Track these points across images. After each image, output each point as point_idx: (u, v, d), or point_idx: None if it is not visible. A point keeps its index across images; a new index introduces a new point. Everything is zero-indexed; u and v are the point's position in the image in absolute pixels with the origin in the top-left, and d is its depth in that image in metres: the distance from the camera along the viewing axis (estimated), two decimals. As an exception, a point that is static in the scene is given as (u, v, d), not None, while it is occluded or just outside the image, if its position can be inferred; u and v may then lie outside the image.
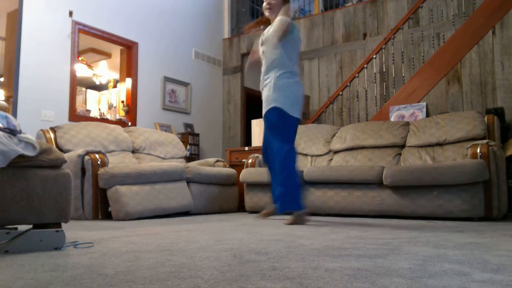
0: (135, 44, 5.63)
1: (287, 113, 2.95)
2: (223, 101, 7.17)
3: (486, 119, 3.77)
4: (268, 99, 3.04)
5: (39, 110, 4.49)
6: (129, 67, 5.62)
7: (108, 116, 5.88)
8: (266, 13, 3.14)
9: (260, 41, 3.18)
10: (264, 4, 3.14)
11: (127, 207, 3.40)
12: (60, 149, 3.92)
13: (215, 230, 2.43)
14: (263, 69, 3.14)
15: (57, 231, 1.62)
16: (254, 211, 4.20)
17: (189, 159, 5.75)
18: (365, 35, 5.82)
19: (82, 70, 6.77)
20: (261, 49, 3.15)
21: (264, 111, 3.11)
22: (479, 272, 1.12)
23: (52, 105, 4.61)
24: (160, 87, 5.98)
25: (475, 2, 4.84)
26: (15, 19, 4.42)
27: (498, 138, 3.67)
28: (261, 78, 3.16)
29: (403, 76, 5.10)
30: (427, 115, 4.65)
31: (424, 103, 4.68)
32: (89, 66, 7.17)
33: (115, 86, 7.41)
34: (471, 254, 1.43)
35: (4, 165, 1.54)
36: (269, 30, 3.08)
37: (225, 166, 4.78)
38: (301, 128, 4.87)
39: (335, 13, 6.12)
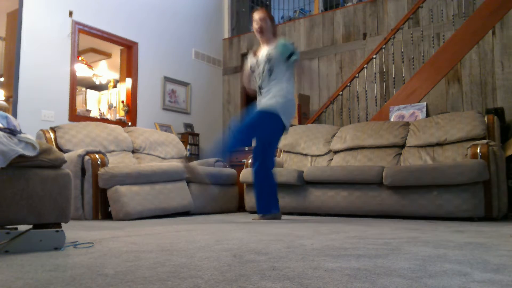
0: (135, 44, 5.63)
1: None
2: (223, 101, 7.17)
3: (486, 119, 3.76)
4: (281, 108, 3.16)
5: (39, 110, 4.49)
6: (129, 67, 5.62)
7: (108, 116, 5.88)
8: (258, 36, 3.39)
9: (260, 58, 3.31)
10: (256, 27, 3.34)
11: (127, 207, 3.40)
12: (60, 149, 3.92)
13: (215, 230, 2.43)
14: (264, 83, 3.26)
15: (57, 231, 1.62)
16: (254, 211, 4.20)
17: (189, 159, 5.75)
18: (365, 35, 5.82)
19: (82, 70, 6.77)
20: (261, 66, 3.27)
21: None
22: (479, 272, 1.12)
23: (52, 105, 4.61)
24: (160, 87, 5.98)
25: (475, 2, 4.84)
26: (15, 19, 4.42)
27: (498, 138, 3.67)
28: (263, 91, 3.25)
29: (403, 76, 5.10)
30: (427, 115, 4.65)
31: (424, 103, 4.68)
32: (89, 66, 7.17)
33: (115, 86, 7.41)
34: (471, 254, 1.43)
35: (4, 165, 1.54)
36: (272, 50, 3.24)
37: (225, 166, 4.78)
38: (301, 128, 4.87)
39: (335, 13, 6.12)
